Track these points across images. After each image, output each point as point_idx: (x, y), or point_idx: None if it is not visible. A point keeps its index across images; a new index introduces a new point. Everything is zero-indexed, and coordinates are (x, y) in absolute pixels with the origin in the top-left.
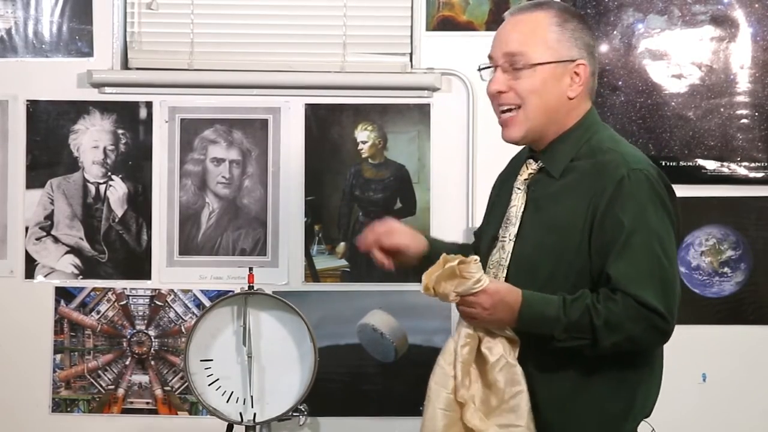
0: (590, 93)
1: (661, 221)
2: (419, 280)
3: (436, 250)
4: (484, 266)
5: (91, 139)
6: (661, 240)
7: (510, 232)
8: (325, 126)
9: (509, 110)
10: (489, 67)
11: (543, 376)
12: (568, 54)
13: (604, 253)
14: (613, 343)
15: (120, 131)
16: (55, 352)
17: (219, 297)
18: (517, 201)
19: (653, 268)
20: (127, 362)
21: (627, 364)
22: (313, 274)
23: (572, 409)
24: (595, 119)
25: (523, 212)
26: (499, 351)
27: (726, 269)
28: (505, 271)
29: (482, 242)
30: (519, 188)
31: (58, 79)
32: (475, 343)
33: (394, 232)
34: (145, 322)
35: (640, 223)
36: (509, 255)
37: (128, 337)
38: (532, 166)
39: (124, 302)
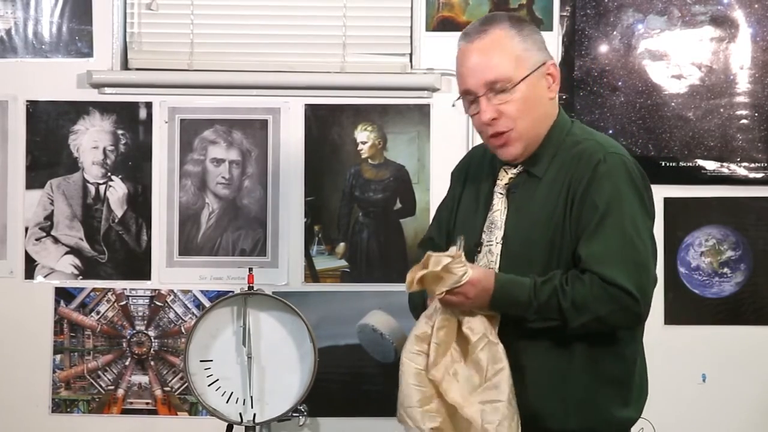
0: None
1: (636, 204)
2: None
3: None
4: None
5: (91, 140)
6: (634, 222)
7: (496, 235)
8: (325, 126)
9: (502, 132)
10: (471, 100)
11: (529, 350)
12: (537, 59)
13: (580, 236)
14: (582, 324)
15: (120, 132)
16: (55, 352)
17: (219, 297)
18: (500, 206)
19: (625, 249)
20: (127, 363)
21: (612, 340)
22: (312, 274)
23: (558, 384)
24: (564, 116)
25: (506, 215)
26: (481, 330)
27: (726, 270)
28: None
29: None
30: (501, 193)
31: (58, 79)
32: (453, 325)
33: None
34: (145, 322)
35: (613, 205)
36: (498, 257)
37: (128, 337)
38: (511, 171)
39: (124, 303)
